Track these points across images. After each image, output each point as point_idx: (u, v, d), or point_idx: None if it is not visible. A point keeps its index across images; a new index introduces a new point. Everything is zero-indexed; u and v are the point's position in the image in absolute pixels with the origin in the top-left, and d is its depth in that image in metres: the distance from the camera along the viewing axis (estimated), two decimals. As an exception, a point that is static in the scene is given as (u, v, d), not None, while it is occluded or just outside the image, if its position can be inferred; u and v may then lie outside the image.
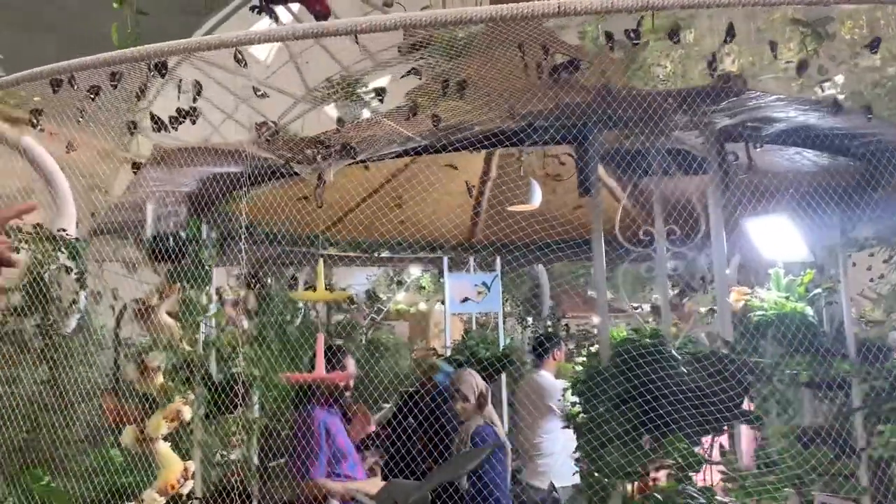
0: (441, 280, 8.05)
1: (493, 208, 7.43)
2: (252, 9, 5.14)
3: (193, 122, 3.15)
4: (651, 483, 3.55)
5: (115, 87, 3.03)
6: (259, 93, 3.37)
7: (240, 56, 2.89)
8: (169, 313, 4.14)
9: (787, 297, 6.02)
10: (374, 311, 12.99)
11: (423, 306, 14.75)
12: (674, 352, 3.50)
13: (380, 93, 3.24)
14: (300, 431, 4.74)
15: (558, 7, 2.43)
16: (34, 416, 3.54)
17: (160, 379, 4.04)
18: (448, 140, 3.48)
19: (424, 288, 12.06)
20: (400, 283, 11.36)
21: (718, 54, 3.20)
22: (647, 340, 3.61)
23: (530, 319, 8.79)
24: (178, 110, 3.22)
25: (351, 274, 15.01)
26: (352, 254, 7.61)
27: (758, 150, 3.90)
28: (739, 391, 3.27)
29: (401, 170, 6.87)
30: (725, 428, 3.34)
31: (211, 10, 9.38)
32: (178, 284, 3.87)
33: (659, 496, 3.32)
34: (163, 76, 2.97)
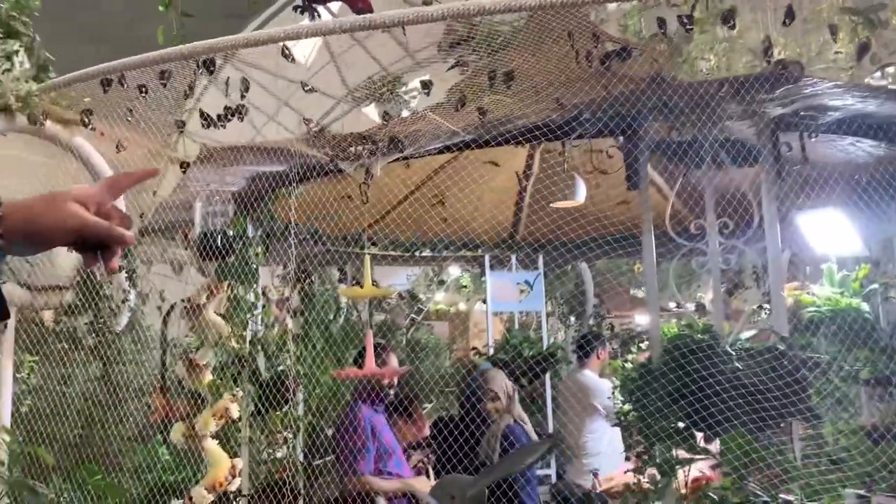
0: (482, 279, 8.00)
1: (536, 205, 7.36)
2: (295, 8, 5.16)
3: (241, 119, 3.16)
4: (704, 482, 3.47)
5: (165, 85, 3.06)
6: (307, 88, 3.36)
7: (287, 52, 2.89)
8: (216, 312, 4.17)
9: (841, 293, 5.85)
10: (414, 311, 13.00)
11: (462, 306, 14.72)
12: (728, 348, 3.40)
13: (426, 86, 3.21)
14: (346, 429, 4.75)
15: None
16: (88, 412, 3.59)
17: (209, 376, 4.07)
18: (493, 134, 3.44)
19: (466, 287, 12.02)
20: (441, 283, 11.32)
21: (770, 40, 3.09)
22: (700, 336, 3.52)
23: (573, 318, 8.69)
24: (227, 108, 3.24)
25: (393, 273, 15.05)
26: (393, 253, 7.61)
27: (812, 140, 3.78)
28: (801, 387, 3.17)
29: (442, 167, 6.84)
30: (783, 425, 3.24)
31: (252, 13, 9.47)
32: (226, 283, 3.90)
33: (714, 495, 3.24)
34: (211, 73, 2.99)
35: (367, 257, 4.26)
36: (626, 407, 3.77)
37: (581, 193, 5.87)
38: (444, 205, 6.99)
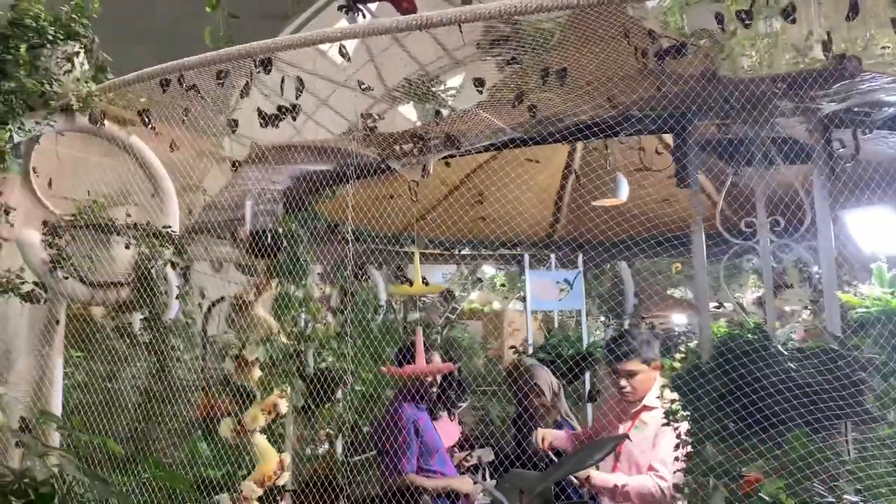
0: (522, 277, 7.99)
1: (575, 203, 7.33)
2: (340, 8, 5.21)
3: (294, 119, 3.20)
4: (755, 482, 3.42)
5: (222, 85, 3.11)
6: (363, 86, 3.40)
7: (344, 51, 2.93)
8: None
9: (892, 293, 5.72)
10: (450, 309, 13.01)
11: (496, 305, 14.71)
12: (780, 348, 3.36)
13: (480, 83, 3.20)
14: (389, 427, 4.77)
15: None
16: (140, 407, 3.67)
17: (258, 372, 4.13)
18: (543, 131, 3.43)
19: (504, 285, 12.00)
20: (479, 281, 11.32)
21: (829, 35, 3.03)
22: (751, 336, 3.48)
23: (613, 318, 8.64)
24: (280, 107, 3.29)
25: (429, 271, 15.07)
26: (434, 251, 7.63)
27: (865, 136, 3.71)
28: (858, 389, 3.12)
29: (481, 165, 6.84)
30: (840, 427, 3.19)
31: (294, 14, 9.56)
32: (274, 280, 3.95)
33: (766, 497, 3.19)
34: (268, 73, 3.04)
35: (417, 254, 4.27)
36: (676, 407, 3.74)
37: (624, 192, 5.84)
38: (482, 203, 6.99)
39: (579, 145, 6.89)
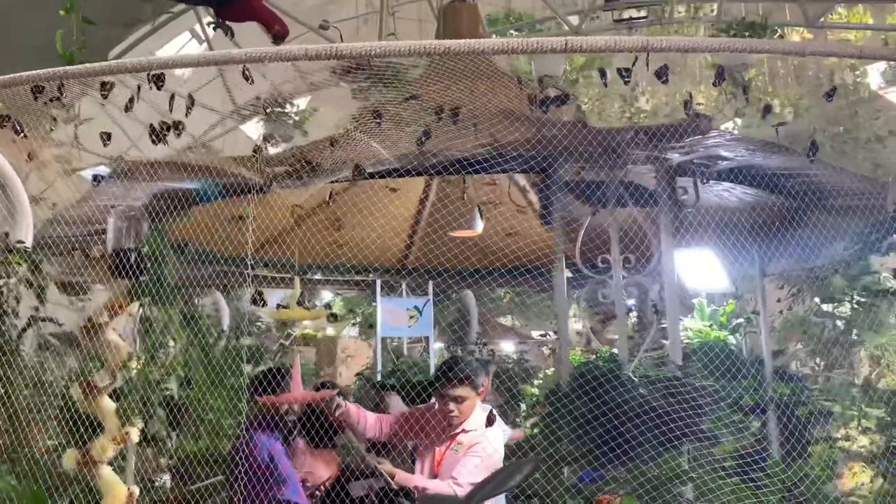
0: (373, 304, 8.04)
1: (430, 232, 7.52)
2: (209, 24, 5.08)
3: (178, 136, 3.10)
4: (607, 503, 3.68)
5: (105, 97, 2.96)
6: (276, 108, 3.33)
7: (247, 74, 2.89)
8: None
9: (710, 326, 6.39)
10: (284, 335, 12.75)
11: (330, 331, 14.58)
12: (631, 375, 3.66)
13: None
14: (244, 457, 4.62)
15: (565, 43, 2.54)
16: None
17: (106, 400, 3.88)
18: (424, 163, 3.55)
19: (351, 311, 11.94)
20: (329, 308, 11.19)
21: (691, 95, 3.40)
22: (604, 363, 3.76)
23: (457, 345, 8.89)
24: (162, 123, 3.17)
25: (268, 295, 14.66)
26: (283, 274, 7.50)
27: (703, 184, 4.17)
28: (696, 413, 3.46)
29: (342, 191, 6.86)
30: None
31: (134, 24, 9.11)
32: (130, 303, 3.74)
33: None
34: (160, 88, 2.92)
35: (297, 280, 4.21)
36: (532, 430, 3.95)
37: (479, 224, 6.09)
38: (339, 230, 7.00)
39: (436, 178, 7.10)
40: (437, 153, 3.44)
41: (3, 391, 3.26)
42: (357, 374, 8.84)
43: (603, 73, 3.14)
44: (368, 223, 6.76)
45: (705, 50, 3.02)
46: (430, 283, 7.94)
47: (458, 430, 4.37)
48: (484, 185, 6.66)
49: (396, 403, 5.68)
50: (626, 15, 8.86)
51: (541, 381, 3.97)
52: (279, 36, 4.67)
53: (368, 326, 9.30)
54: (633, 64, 2.82)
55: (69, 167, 4.61)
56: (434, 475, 4.39)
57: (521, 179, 6.71)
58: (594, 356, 3.84)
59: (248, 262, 4.22)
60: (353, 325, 14.15)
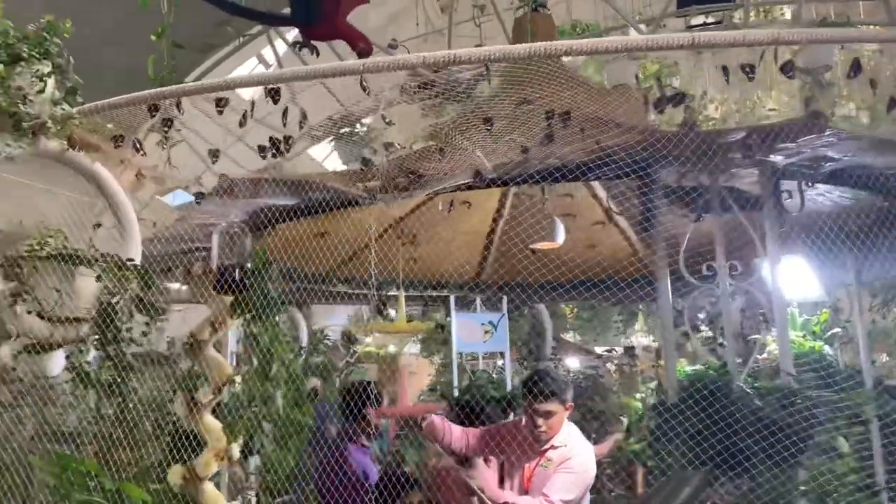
0: (448, 319, 7.99)
1: (504, 246, 7.47)
2: (294, 44, 5.15)
3: (287, 151, 3.12)
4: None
5: (221, 112, 3.01)
6: (387, 121, 3.35)
7: (365, 84, 2.90)
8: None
9: (803, 336, 6.15)
10: (350, 353, 12.82)
11: (391, 349, 14.60)
12: (743, 386, 3.53)
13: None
14: (335, 470, 4.62)
15: (692, 40, 2.46)
16: (102, 454, 3.39)
17: (208, 416, 3.91)
18: (521, 173, 3.50)
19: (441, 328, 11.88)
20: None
21: (812, 92, 3.28)
22: (714, 374, 3.63)
23: (531, 360, 8.78)
24: (272, 139, 3.20)
25: (332, 313, 14.84)
26: (362, 291, 7.54)
27: (807, 188, 4.02)
28: (811, 425, 3.31)
29: (418, 207, 6.86)
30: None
31: (211, 49, 9.34)
32: (232, 319, 3.77)
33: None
34: (276, 102, 2.96)
35: (402, 294, 4.20)
36: (637, 446, 3.83)
37: (561, 235, 6.01)
38: (414, 245, 7.00)
39: (511, 191, 7.06)
40: (542, 160, 3.39)
41: (120, 407, 3.31)
42: (431, 390, 8.81)
43: (725, 71, 3.04)
44: (436, 239, 6.77)
45: (838, 41, 2.89)
46: (504, 298, 7.86)
47: (546, 446, 4.27)
48: (561, 196, 6.59)
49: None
50: (697, 21, 8.70)
51: (642, 395, 3.86)
52: (364, 53, 4.69)
53: (443, 343, 9.24)
54: (761, 58, 2.73)
55: (164, 187, 4.72)
56: (524, 491, 4.30)
57: (601, 190, 6.62)
58: (704, 367, 3.70)
59: (372, 281, 4.20)
60: (415, 342, 14.15)
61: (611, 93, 4.45)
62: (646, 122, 3.26)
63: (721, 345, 4.24)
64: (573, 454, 4.03)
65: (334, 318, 14.66)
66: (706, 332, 5.59)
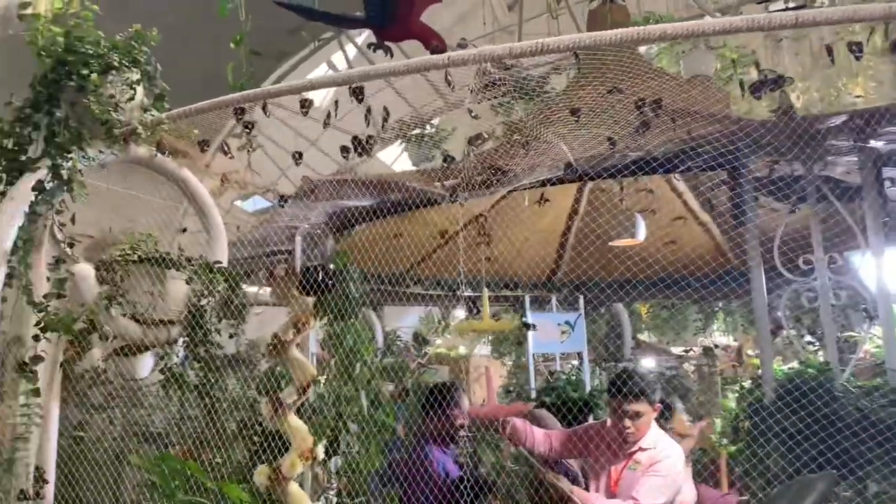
0: (523, 319, 7.89)
1: (580, 244, 7.33)
2: (369, 46, 5.17)
3: (368, 152, 3.11)
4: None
5: (306, 114, 3.03)
6: (473, 115, 3.32)
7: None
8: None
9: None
10: (422, 354, 12.83)
11: (462, 350, 14.55)
12: (847, 386, 3.34)
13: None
14: (417, 471, 4.59)
15: (796, 19, 2.32)
16: (190, 454, 3.45)
17: (293, 417, 3.93)
18: (603, 165, 3.40)
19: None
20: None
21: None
22: (814, 373, 3.45)
23: (609, 361, 8.60)
24: (354, 138, 3.20)
25: (404, 314, 14.91)
26: (436, 292, 7.52)
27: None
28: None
29: (493, 206, 6.80)
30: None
31: (284, 56, 9.51)
32: (320, 320, 3.79)
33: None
34: (360, 101, 2.96)
35: (485, 292, 4.16)
36: (732, 448, 3.68)
37: (641, 232, 5.86)
38: (489, 244, 6.93)
39: (587, 187, 6.92)
40: (626, 153, 3.28)
41: (208, 408, 3.36)
42: (509, 392, 8.72)
43: (829, 51, 2.87)
44: (511, 238, 6.68)
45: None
46: (581, 297, 7.72)
47: (634, 448, 4.14)
48: (640, 191, 6.42)
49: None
50: (775, 7, 8.37)
51: (736, 394, 3.70)
52: (438, 52, 4.66)
53: (517, 344, 9.15)
54: (871, 34, 2.56)
55: (244, 192, 4.79)
56: (611, 494, 4.18)
57: (681, 184, 6.42)
58: (802, 365, 3.52)
59: (461, 280, 4.17)
60: (486, 343, 14.08)
61: (693, 83, 4.31)
62: (730, 112, 3.12)
63: (819, 342, 4.03)
64: (662, 456, 3.87)
65: (406, 320, 14.75)
66: (795, 330, 5.35)
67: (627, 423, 4.07)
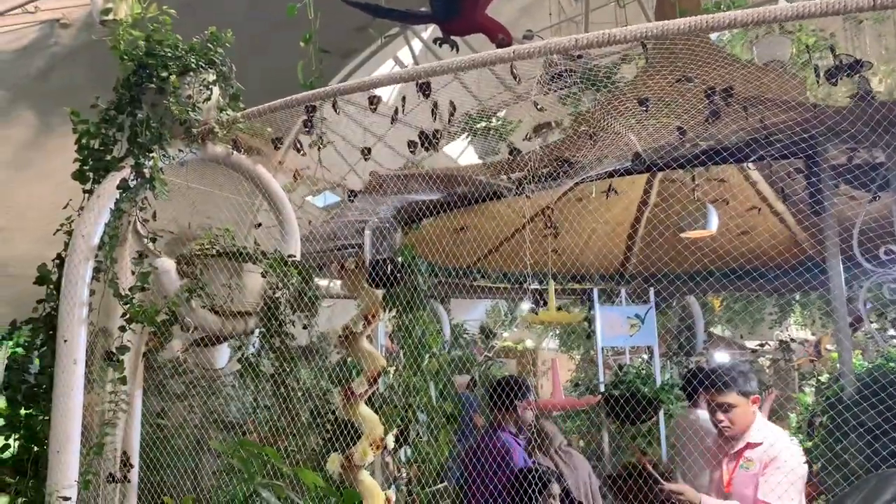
0: (591, 312, 7.81)
1: (650, 235, 7.22)
2: (435, 41, 5.21)
3: (435, 146, 3.16)
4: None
5: (374, 110, 3.09)
6: (539, 107, 3.34)
7: (515, 72, 2.88)
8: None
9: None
10: (489, 347, 12.86)
11: (529, 343, 14.49)
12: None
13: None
14: (490, 453, 4.64)
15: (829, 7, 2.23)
16: (266, 442, 3.57)
17: (364, 406, 4.02)
18: (672, 155, 3.35)
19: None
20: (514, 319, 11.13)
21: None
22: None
23: (682, 355, 8.44)
24: (422, 132, 3.25)
25: (470, 308, 14.95)
26: (502, 285, 7.53)
27: None
28: None
29: (559, 198, 6.76)
30: None
31: (350, 54, 9.65)
32: (389, 312, 3.86)
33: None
34: (426, 97, 3.01)
35: (551, 285, 4.17)
36: (808, 444, 3.57)
37: (714, 222, 5.73)
38: (556, 237, 6.89)
39: (658, 177, 6.81)
40: (696, 142, 3.22)
41: (282, 397, 3.47)
42: (576, 385, 8.66)
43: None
44: (578, 230, 6.62)
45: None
46: (651, 289, 7.59)
47: (742, 445, 3.94)
48: (711, 181, 6.28)
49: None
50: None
51: (813, 388, 3.58)
52: (503, 44, 4.66)
53: (587, 337, 9.07)
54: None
55: (315, 188, 4.90)
56: (723, 496, 3.99)
57: (755, 173, 6.25)
58: (883, 360, 3.39)
59: (528, 272, 4.17)
60: (553, 337, 14.00)
61: (767, 70, 4.20)
62: (806, 99, 3.02)
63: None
64: (779, 450, 3.64)
65: (473, 313, 14.80)
66: (878, 323, 5.13)
67: (720, 415, 3.90)
